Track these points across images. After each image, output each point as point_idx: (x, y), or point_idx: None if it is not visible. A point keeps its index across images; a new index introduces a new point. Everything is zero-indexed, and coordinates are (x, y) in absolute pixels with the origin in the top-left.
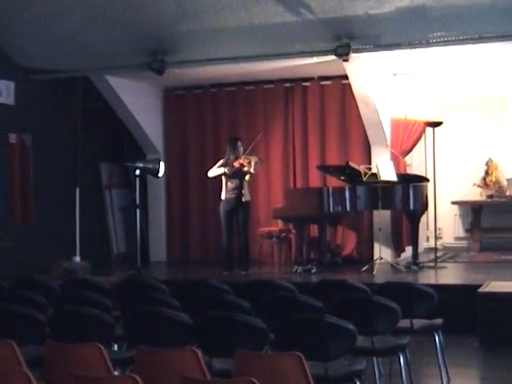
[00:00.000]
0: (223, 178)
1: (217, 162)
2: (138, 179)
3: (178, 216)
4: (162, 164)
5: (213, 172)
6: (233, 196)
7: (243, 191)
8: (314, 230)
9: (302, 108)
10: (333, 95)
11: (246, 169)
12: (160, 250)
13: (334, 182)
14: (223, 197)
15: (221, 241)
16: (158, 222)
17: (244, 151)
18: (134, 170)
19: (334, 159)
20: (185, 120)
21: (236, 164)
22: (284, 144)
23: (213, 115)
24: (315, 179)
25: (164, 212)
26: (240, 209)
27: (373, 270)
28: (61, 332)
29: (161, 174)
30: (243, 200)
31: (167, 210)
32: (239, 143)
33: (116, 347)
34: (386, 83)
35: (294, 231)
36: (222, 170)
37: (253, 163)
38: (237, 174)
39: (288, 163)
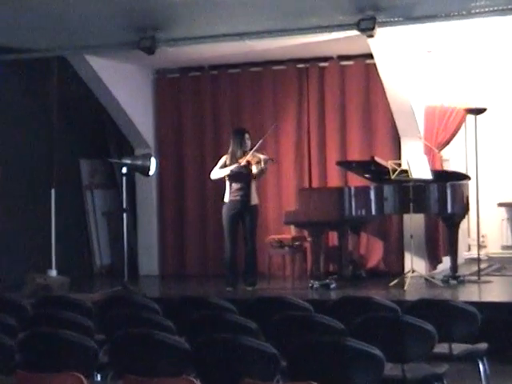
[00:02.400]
0: (226, 176)
1: (219, 159)
2: (124, 178)
3: (173, 221)
4: (153, 160)
5: (217, 173)
6: (238, 198)
7: (250, 193)
8: (334, 237)
9: (319, 93)
10: (355, 78)
11: (254, 169)
12: (151, 262)
13: (356, 180)
14: (226, 199)
15: (223, 251)
16: (148, 229)
17: (251, 146)
18: (121, 168)
19: (356, 153)
20: (180, 108)
21: (242, 161)
22: (297, 136)
23: (213, 102)
24: (334, 177)
25: (156, 217)
26: (246, 213)
27: (403, 284)
28: (33, 360)
29: (152, 172)
30: (250, 203)
31: (159, 215)
32: (247, 136)
33: (99, 377)
34: (419, 63)
35: (309, 239)
36: (227, 171)
37: (263, 163)
38: (243, 173)
39: (302, 159)
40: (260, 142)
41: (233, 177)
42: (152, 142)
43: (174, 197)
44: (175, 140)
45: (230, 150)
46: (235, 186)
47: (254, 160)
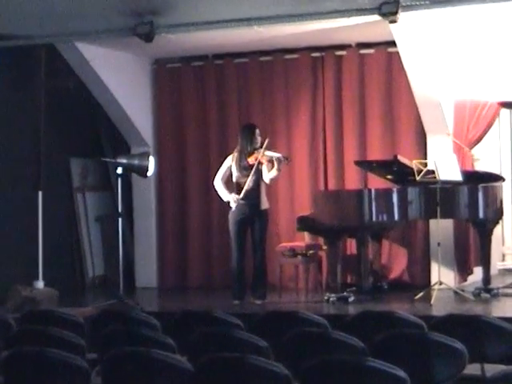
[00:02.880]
0: (234, 177)
1: (225, 159)
2: (120, 179)
3: (173, 227)
4: (151, 160)
5: (220, 188)
6: (246, 202)
7: (260, 196)
8: (352, 245)
9: (335, 85)
10: (376, 68)
11: (264, 170)
12: (149, 273)
13: (377, 182)
14: (232, 203)
15: (229, 260)
16: (146, 236)
17: (262, 144)
18: (116, 168)
19: (377, 152)
20: (181, 102)
21: (252, 160)
22: (311, 132)
23: (218, 95)
24: (353, 179)
25: (154, 222)
26: (255, 219)
27: (430, 298)
28: (18, 381)
29: (150, 172)
30: (260, 208)
31: (159, 220)
32: (257, 132)
33: None
34: (447, 52)
35: (325, 247)
36: (232, 200)
37: (276, 163)
38: (253, 174)
39: (317, 158)
40: (267, 141)
41: (241, 177)
42: (150, 139)
43: (175, 200)
44: (176, 137)
45: (239, 147)
46: (243, 186)
47: (265, 158)
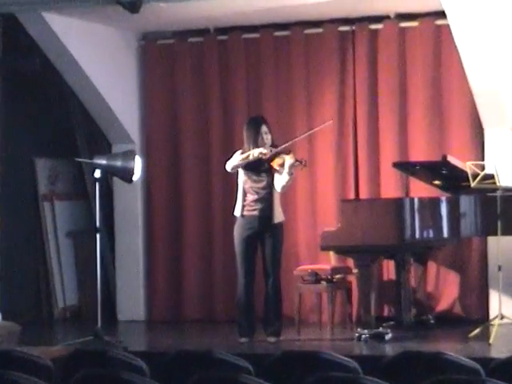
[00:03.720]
0: (240, 181)
1: (229, 157)
2: (98, 185)
3: (165, 246)
4: (137, 160)
5: (235, 159)
6: (255, 214)
7: (273, 205)
8: (390, 268)
9: (369, 66)
10: (420, 45)
11: (277, 177)
12: (135, 303)
13: (421, 189)
14: (238, 213)
15: (235, 287)
16: (131, 257)
17: (274, 143)
18: (93, 171)
19: (421, 151)
20: (176, 87)
21: (262, 153)
22: (338, 127)
23: (222, 79)
24: (390, 185)
25: (141, 239)
26: (267, 234)
27: (488, 335)
28: None
29: (136, 176)
30: (273, 220)
31: (147, 237)
32: (264, 128)
33: None
34: (510, 23)
35: (355, 271)
36: (254, 152)
37: (287, 167)
38: (262, 177)
39: (345, 159)
40: (290, 142)
41: (249, 182)
42: (137, 134)
43: (168, 212)
44: (170, 132)
45: (244, 145)
46: (252, 195)
47: (277, 162)
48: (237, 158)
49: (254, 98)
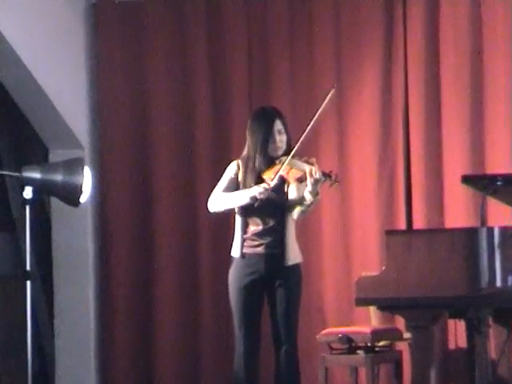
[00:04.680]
0: (239, 208)
1: (224, 169)
2: (28, 209)
3: (128, 297)
4: (87, 173)
5: (221, 200)
6: (261, 251)
7: (285, 241)
8: (458, 331)
9: (427, 33)
10: (502, 2)
11: (291, 194)
12: (82, 379)
13: (504, 215)
14: (237, 252)
15: (231, 359)
16: (77, 313)
17: (290, 147)
18: (21, 189)
19: (503, 159)
20: (144, 65)
21: (269, 177)
22: (382, 123)
23: (212, 53)
24: (459, 210)
25: (92, 288)
26: (278, 282)
27: None
28: None
29: (85, 196)
30: (286, 261)
31: (100, 284)
32: (278, 124)
33: None
34: None
35: (407, 335)
36: (244, 198)
37: (310, 182)
38: (271, 200)
39: (392, 174)
40: (305, 132)
41: (253, 209)
42: (86, 135)
43: (132, 247)
44: (135, 131)
45: (246, 152)
46: (255, 226)
47: (294, 175)
48: (219, 198)
49: (259, 84)
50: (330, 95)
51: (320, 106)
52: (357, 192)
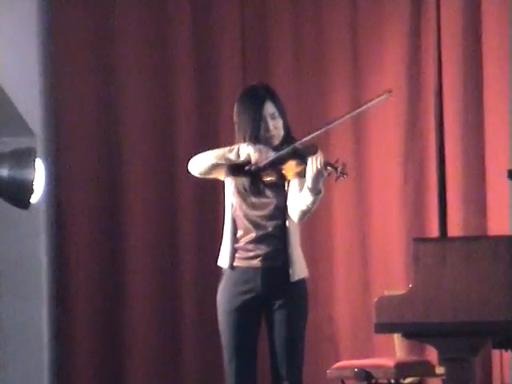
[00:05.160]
0: (229, 205)
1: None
2: None
3: (91, 325)
4: (40, 167)
5: (205, 155)
6: (256, 264)
7: (288, 249)
8: (505, 365)
9: (466, 14)
10: None
11: (292, 192)
12: None
13: None
14: (226, 263)
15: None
16: (26, 344)
17: (289, 135)
18: None
19: None
20: (115, 41)
21: (266, 176)
22: (408, 109)
23: (196, 34)
24: (505, 212)
25: (45, 312)
26: (278, 302)
27: None
28: None
29: (36, 196)
30: (289, 278)
31: (55, 306)
32: (269, 108)
33: None
34: None
35: (441, 370)
36: (235, 151)
37: (310, 173)
38: (267, 198)
39: (421, 168)
40: (316, 133)
41: (245, 201)
42: (39, 120)
43: (96, 258)
44: (99, 115)
45: (236, 141)
46: (250, 228)
47: (293, 169)
48: (210, 155)
49: (254, 70)
50: (380, 98)
51: (363, 106)
52: (377, 191)
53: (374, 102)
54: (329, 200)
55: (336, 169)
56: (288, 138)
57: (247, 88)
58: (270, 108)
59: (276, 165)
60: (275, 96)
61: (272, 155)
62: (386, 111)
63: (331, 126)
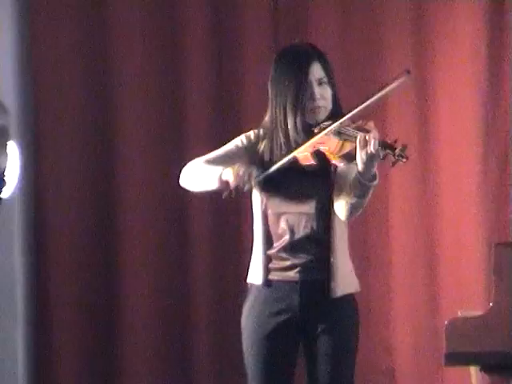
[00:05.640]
0: (254, 203)
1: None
2: None
3: (77, 351)
4: (14, 151)
5: (193, 170)
6: (293, 276)
7: (333, 259)
8: None
9: None
10: None
11: (341, 182)
12: None
13: None
14: (259, 278)
15: None
16: None
17: (338, 106)
18: None
19: None
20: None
21: (305, 158)
22: (487, 92)
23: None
24: None
25: (21, 333)
26: (321, 325)
27: None
28: None
29: (9, 189)
30: (334, 293)
31: (32, 327)
32: (317, 71)
33: None
34: None
35: None
36: (213, 178)
37: (361, 156)
38: (307, 192)
39: (503, 159)
40: (360, 107)
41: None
42: (12, 94)
43: (83, 266)
44: (88, 88)
45: (268, 117)
46: (283, 231)
47: (339, 150)
48: (194, 168)
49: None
50: (399, 81)
51: (385, 88)
52: (448, 186)
53: (394, 85)
54: (385, 193)
55: (394, 150)
56: (336, 113)
57: (286, 48)
58: (317, 71)
59: (315, 145)
60: (324, 57)
61: (258, 173)
62: (458, 92)
63: (368, 103)
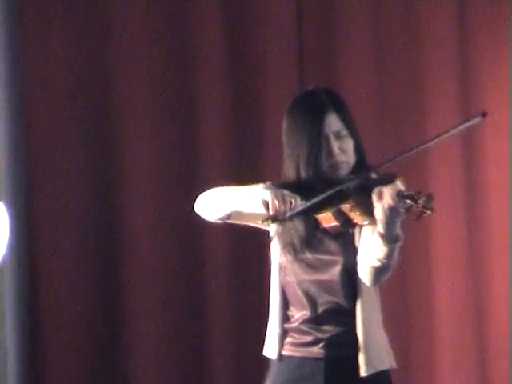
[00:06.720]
0: (273, 264)
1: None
2: None
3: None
4: (1, 211)
5: (216, 192)
6: (318, 352)
7: (363, 331)
8: None
9: None
10: None
11: (364, 242)
12: None
13: None
14: (274, 353)
15: None
16: None
17: (363, 157)
18: None
19: None
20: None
21: (328, 219)
22: None
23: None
24: None
25: (11, 369)
26: None
27: None
28: None
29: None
30: (364, 371)
31: (24, 361)
32: (334, 123)
33: None
34: None
35: None
36: (251, 195)
37: (380, 211)
38: (329, 251)
39: None
40: (402, 156)
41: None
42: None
43: (87, 298)
44: (86, 84)
45: (284, 171)
46: (305, 302)
47: (360, 210)
48: (216, 191)
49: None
50: (473, 121)
51: (453, 129)
52: (497, 234)
53: (467, 124)
54: (426, 245)
55: (416, 201)
56: (360, 167)
57: (299, 95)
58: (333, 123)
59: (335, 205)
60: (341, 104)
61: (304, 203)
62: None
63: (416, 150)
